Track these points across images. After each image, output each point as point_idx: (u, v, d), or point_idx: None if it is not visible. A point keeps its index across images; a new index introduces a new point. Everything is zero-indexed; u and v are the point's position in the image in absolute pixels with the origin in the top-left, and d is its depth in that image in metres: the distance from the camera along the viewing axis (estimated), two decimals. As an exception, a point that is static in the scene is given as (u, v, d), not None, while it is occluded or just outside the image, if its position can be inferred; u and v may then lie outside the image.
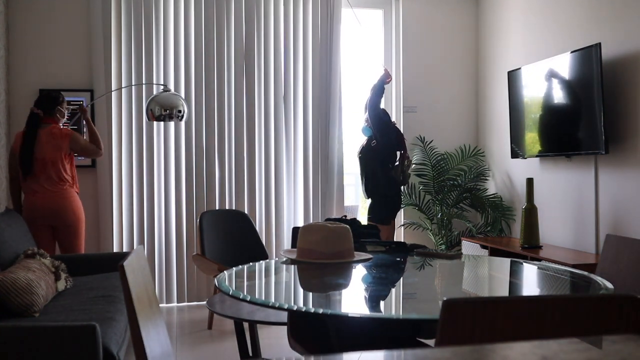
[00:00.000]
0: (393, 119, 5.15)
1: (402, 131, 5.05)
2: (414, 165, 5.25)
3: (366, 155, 4.79)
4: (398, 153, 4.84)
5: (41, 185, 4.01)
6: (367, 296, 2.12)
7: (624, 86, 3.81)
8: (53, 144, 4.02)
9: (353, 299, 2.09)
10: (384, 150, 4.75)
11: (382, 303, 2.03)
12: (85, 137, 4.34)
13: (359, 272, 2.45)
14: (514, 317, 1.13)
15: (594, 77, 3.82)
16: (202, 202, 4.94)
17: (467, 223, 5.21)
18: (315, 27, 5.13)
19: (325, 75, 5.14)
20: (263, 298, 1.96)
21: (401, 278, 2.42)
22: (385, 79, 4.85)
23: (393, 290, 2.17)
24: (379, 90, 4.80)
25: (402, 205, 5.00)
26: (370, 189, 4.79)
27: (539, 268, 2.53)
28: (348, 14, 5.27)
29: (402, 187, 4.91)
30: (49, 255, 3.67)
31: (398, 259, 2.76)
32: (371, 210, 4.80)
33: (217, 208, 4.96)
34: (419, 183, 5.31)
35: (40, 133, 4.02)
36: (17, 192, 4.14)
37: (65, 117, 4.25)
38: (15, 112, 4.75)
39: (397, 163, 4.81)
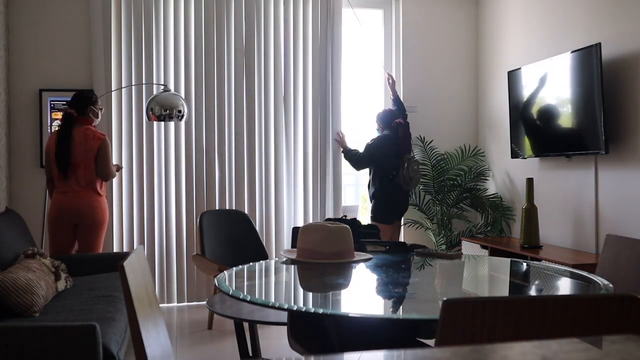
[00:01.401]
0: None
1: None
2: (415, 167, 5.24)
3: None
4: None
5: (71, 186, 4.00)
6: (367, 296, 2.12)
7: (624, 86, 3.81)
8: (85, 146, 4.01)
9: (353, 299, 2.08)
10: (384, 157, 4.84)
11: (382, 303, 2.03)
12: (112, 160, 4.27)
13: (359, 272, 2.45)
14: (514, 317, 1.13)
15: (594, 77, 3.82)
16: (202, 202, 4.93)
17: (467, 223, 5.21)
18: (315, 27, 5.13)
19: (325, 75, 5.14)
20: (263, 298, 1.95)
21: (401, 278, 2.42)
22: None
23: (393, 290, 2.17)
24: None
25: (405, 207, 5.01)
26: (371, 189, 4.88)
27: (539, 268, 2.53)
28: (348, 14, 5.27)
29: (410, 189, 4.93)
30: (49, 255, 3.67)
31: (398, 259, 2.76)
32: (372, 210, 4.88)
33: (217, 208, 4.96)
34: (419, 183, 5.31)
35: (74, 134, 4.00)
36: (52, 193, 4.13)
37: (100, 116, 4.23)
38: (15, 112, 4.75)
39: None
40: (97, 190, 4.07)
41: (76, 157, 3.99)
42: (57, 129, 4.08)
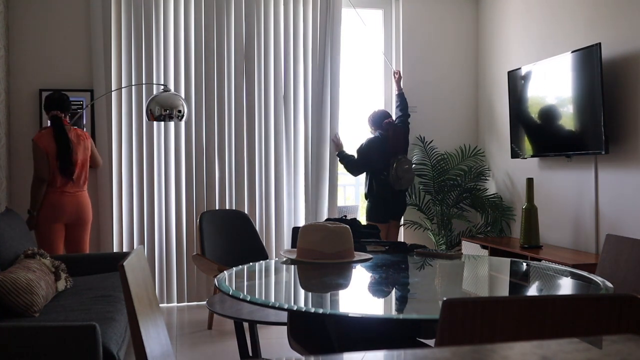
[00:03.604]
0: (394, 117, 5.15)
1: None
2: (414, 165, 5.24)
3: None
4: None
5: (72, 185, 4.11)
6: (367, 296, 2.12)
7: (624, 86, 3.81)
8: (83, 145, 4.16)
9: (353, 299, 2.08)
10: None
11: (382, 303, 2.03)
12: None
13: (358, 272, 2.45)
14: (514, 317, 1.13)
15: (594, 77, 3.82)
16: (202, 202, 4.93)
17: (467, 223, 5.21)
18: (314, 27, 5.13)
19: (324, 76, 5.13)
20: (263, 298, 1.95)
21: (401, 278, 2.42)
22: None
23: (393, 290, 2.17)
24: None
25: (400, 207, 5.02)
26: (365, 189, 4.92)
27: (539, 268, 2.53)
28: (349, 14, 5.27)
29: (406, 189, 4.93)
30: (49, 255, 3.67)
31: (398, 259, 2.76)
32: (366, 209, 4.96)
33: (217, 208, 4.96)
34: (419, 183, 5.31)
35: (69, 135, 4.10)
36: (42, 195, 4.04)
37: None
38: (16, 112, 4.75)
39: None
40: (86, 187, 4.27)
41: (78, 157, 4.12)
42: (47, 130, 4.07)
